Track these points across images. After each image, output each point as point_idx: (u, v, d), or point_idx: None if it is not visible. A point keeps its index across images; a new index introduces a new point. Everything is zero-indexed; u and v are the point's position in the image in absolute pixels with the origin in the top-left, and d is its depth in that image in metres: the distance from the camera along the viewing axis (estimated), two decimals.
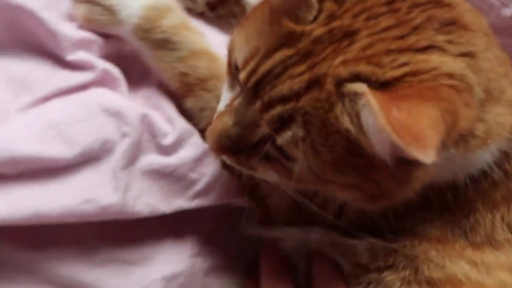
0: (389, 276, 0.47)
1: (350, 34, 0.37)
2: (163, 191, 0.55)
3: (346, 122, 0.35)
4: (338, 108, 0.36)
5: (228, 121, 0.42)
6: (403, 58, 0.36)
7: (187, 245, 0.60)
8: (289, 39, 0.37)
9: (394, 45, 0.36)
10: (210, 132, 0.44)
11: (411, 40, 0.36)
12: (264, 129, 0.40)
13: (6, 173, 0.47)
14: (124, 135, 0.52)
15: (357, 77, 0.35)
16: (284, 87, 0.37)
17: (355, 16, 0.37)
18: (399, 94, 0.34)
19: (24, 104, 0.50)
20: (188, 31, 0.55)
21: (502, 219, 0.48)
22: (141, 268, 0.57)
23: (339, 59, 0.36)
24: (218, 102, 0.49)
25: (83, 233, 0.55)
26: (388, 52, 0.36)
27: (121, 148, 0.52)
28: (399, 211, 0.48)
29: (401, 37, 0.37)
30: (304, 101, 0.36)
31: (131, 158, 0.53)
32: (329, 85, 0.36)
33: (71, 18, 0.55)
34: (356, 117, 0.34)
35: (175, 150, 0.54)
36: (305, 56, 0.37)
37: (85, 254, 0.55)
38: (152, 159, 0.54)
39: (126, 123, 0.52)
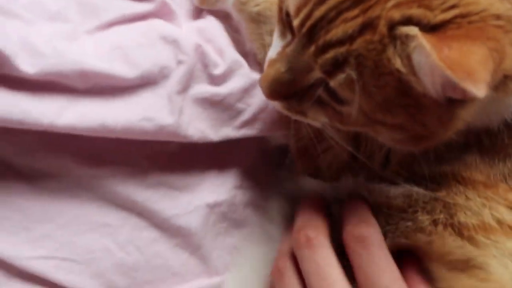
0: (422, 216, 0.49)
1: None
2: (212, 119, 0.59)
3: (397, 64, 0.36)
4: (390, 50, 0.37)
5: (281, 67, 0.43)
6: (452, 1, 0.37)
7: (230, 176, 0.64)
8: None
9: None
10: (263, 79, 0.45)
11: None
12: (316, 74, 0.41)
13: (77, 86, 0.52)
14: (179, 62, 0.56)
15: (408, 20, 0.36)
16: (338, 31, 0.38)
17: None
18: (448, 35, 0.36)
19: (92, 27, 0.54)
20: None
21: None
22: (187, 194, 0.61)
23: (392, 2, 0.37)
24: None
25: (136, 155, 0.59)
26: None
27: (177, 75, 0.56)
28: (441, 155, 0.50)
29: None
30: (358, 44, 0.37)
31: (185, 85, 0.57)
32: (382, 28, 0.36)
33: None
34: (407, 59, 0.36)
35: (224, 80, 0.58)
36: (358, 0, 0.38)
37: (138, 175, 0.59)
38: (203, 87, 0.58)
39: (182, 51, 0.56)
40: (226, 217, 0.63)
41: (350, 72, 0.38)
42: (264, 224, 0.65)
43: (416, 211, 0.50)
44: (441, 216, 0.49)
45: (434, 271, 0.49)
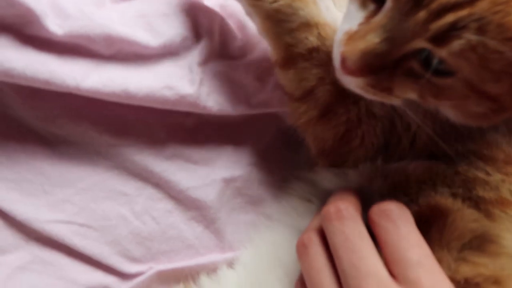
0: (442, 188, 0.49)
1: None
2: (230, 93, 0.60)
3: None
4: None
5: (374, 38, 0.38)
6: None
7: (246, 153, 0.64)
8: None
9: None
10: (349, 52, 0.40)
11: None
12: (418, 43, 0.37)
13: (101, 51, 0.52)
14: (201, 34, 0.57)
15: None
16: None
17: None
18: None
19: None
20: (302, 3, 0.50)
21: None
22: (203, 167, 0.62)
23: None
24: (319, 70, 0.50)
25: (155, 126, 0.60)
26: None
27: (198, 46, 0.57)
28: (465, 135, 0.49)
29: None
30: (481, 6, 0.33)
31: (206, 57, 0.58)
32: None
33: None
34: None
35: (244, 54, 0.59)
36: None
37: (156, 146, 0.60)
38: (222, 61, 0.59)
39: (204, 24, 0.57)
40: (241, 193, 0.63)
41: (469, 37, 0.34)
42: (281, 203, 0.65)
43: (435, 184, 0.50)
44: (460, 190, 0.49)
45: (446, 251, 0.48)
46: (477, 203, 0.49)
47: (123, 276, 0.57)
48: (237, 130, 0.64)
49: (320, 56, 0.50)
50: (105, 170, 0.58)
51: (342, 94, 0.50)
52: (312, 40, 0.50)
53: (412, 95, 0.42)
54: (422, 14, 0.35)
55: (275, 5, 0.49)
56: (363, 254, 0.39)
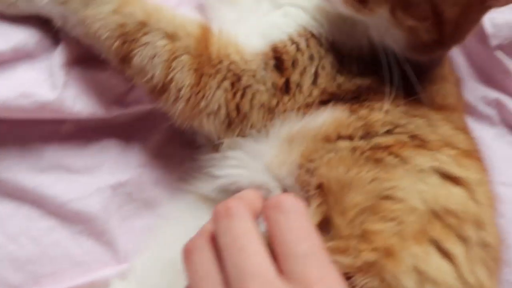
0: (343, 143, 0.52)
1: None
2: (100, 95, 0.56)
3: None
4: None
5: None
6: None
7: (134, 154, 0.61)
8: None
9: None
10: None
11: None
12: None
13: None
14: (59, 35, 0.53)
15: None
16: None
17: None
18: None
19: None
20: None
21: None
22: (86, 176, 0.58)
23: None
24: (165, 41, 0.51)
25: (25, 137, 0.55)
26: None
27: (60, 46, 0.53)
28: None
29: None
30: None
31: (69, 58, 0.54)
32: None
33: None
34: None
35: None
36: None
37: (29, 160, 0.55)
38: (88, 61, 0.55)
39: None
40: (132, 198, 0.60)
41: None
42: (179, 203, 0.62)
43: (338, 137, 0.51)
44: (360, 142, 0.51)
45: (338, 222, 0.48)
46: (372, 154, 0.50)
47: None
48: (121, 131, 0.61)
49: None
50: None
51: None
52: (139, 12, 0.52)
53: (385, 8, 0.50)
54: None
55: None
56: (249, 253, 0.36)
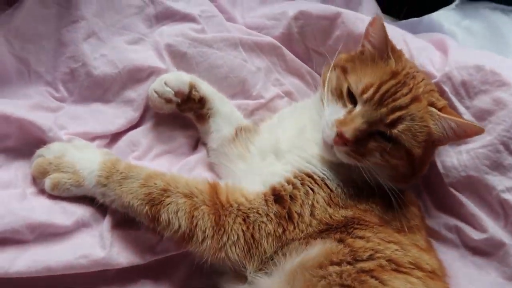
0: (332, 268, 0.68)
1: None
2: (137, 248, 0.74)
3: (431, 123, 0.75)
4: (428, 115, 0.75)
5: (359, 121, 0.73)
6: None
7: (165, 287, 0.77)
8: (392, 74, 0.75)
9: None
10: (347, 128, 0.72)
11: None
12: (379, 126, 0.73)
13: (25, 237, 0.67)
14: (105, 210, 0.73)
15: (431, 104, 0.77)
16: (400, 101, 0.73)
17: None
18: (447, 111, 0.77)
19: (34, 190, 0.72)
20: (136, 168, 0.73)
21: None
22: None
23: (421, 88, 0.76)
24: (185, 199, 0.69)
25: (82, 281, 0.72)
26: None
27: (107, 216, 0.73)
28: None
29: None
30: (411, 109, 0.73)
31: (114, 224, 0.73)
32: (424, 101, 0.75)
33: None
34: (439, 121, 0.75)
35: None
36: (404, 83, 0.75)
37: None
38: (125, 227, 0.74)
39: None
40: None
41: (406, 123, 0.73)
42: None
43: (330, 264, 0.67)
44: (348, 267, 0.67)
45: None
46: (360, 275, 0.66)
47: None
48: (153, 272, 0.78)
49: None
50: None
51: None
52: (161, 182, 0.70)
53: (377, 157, 0.74)
54: (383, 110, 0.73)
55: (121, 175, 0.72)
56: None
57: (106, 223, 0.72)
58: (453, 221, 0.90)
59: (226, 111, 0.89)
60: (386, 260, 0.69)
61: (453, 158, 0.89)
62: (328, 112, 0.77)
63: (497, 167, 0.85)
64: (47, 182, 0.71)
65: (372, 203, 0.75)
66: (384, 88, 0.73)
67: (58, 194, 0.71)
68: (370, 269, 0.67)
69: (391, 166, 0.75)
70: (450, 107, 0.89)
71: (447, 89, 0.90)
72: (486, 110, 0.87)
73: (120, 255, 0.72)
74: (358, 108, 0.74)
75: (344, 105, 0.77)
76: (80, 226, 0.71)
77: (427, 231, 0.83)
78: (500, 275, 0.85)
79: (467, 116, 0.89)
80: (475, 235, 0.87)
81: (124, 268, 0.74)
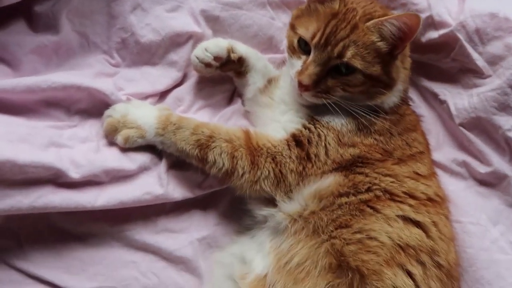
0: (342, 199, 0.85)
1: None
2: (188, 185, 0.92)
3: (374, 38, 0.83)
4: (369, 32, 0.83)
5: (312, 67, 0.83)
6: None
7: (211, 216, 0.96)
8: (333, 15, 0.83)
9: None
10: (304, 77, 0.84)
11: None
12: (332, 62, 0.83)
13: (103, 180, 0.86)
14: (162, 156, 0.91)
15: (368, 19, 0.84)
16: (341, 33, 0.82)
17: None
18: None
19: (106, 142, 0.90)
20: (185, 120, 0.89)
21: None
22: (182, 234, 0.94)
23: (358, 15, 0.83)
24: (226, 143, 0.86)
25: (146, 214, 0.92)
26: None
27: (162, 161, 0.91)
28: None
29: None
30: (352, 36, 0.82)
31: (168, 167, 0.91)
32: (361, 25, 0.83)
33: None
34: (378, 32, 0.83)
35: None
36: (344, 18, 0.83)
37: (149, 226, 0.92)
38: (178, 168, 0.92)
39: None
40: (210, 246, 0.95)
41: (352, 49, 0.82)
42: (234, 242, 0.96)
43: (339, 195, 0.83)
44: (352, 198, 0.82)
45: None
46: (360, 205, 0.82)
47: None
48: (201, 204, 0.97)
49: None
50: (118, 249, 0.90)
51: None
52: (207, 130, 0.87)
53: (339, 91, 0.85)
54: (329, 47, 0.83)
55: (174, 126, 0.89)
56: None
57: (163, 166, 0.90)
58: (462, 156, 1.00)
59: (260, 65, 1.02)
60: (382, 191, 0.84)
61: (465, 101, 0.97)
62: (289, 67, 0.90)
63: (504, 108, 0.93)
64: (119, 139, 0.88)
65: (376, 134, 0.87)
66: (327, 30, 0.82)
67: (128, 147, 0.89)
68: (367, 200, 0.83)
69: (359, 92, 0.86)
70: (463, 55, 0.96)
71: (461, 37, 0.96)
72: (497, 56, 0.93)
73: (175, 191, 0.91)
74: (311, 55, 0.84)
75: (299, 58, 0.87)
76: (142, 169, 0.89)
77: (431, 158, 0.96)
78: (502, 203, 0.96)
79: (480, 61, 0.96)
80: (481, 168, 0.97)
81: (178, 202, 0.93)
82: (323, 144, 0.87)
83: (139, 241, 0.91)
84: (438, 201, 0.87)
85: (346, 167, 0.86)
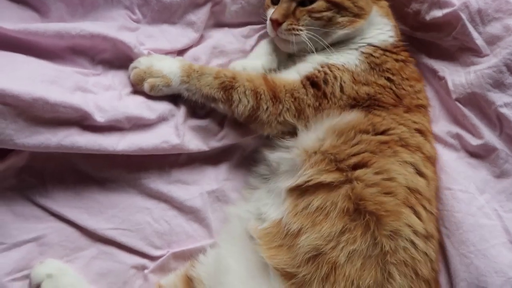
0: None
1: None
2: (203, 137, 0.97)
3: None
4: None
5: (281, 6, 0.97)
6: None
7: (221, 171, 1.01)
8: None
9: None
10: (274, 14, 0.97)
11: None
12: None
13: (124, 126, 0.90)
14: (179, 108, 0.96)
15: None
16: None
17: None
18: None
19: (128, 91, 0.94)
20: (206, 67, 0.97)
21: None
22: (193, 186, 0.99)
23: None
24: (248, 82, 0.93)
25: (161, 164, 0.97)
26: None
27: (179, 113, 0.95)
28: None
29: None
30: None
31: (184, 119, 0.96)
32: None
33: None
34: None
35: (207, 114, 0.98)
36: None
37: (163, 176, 0.97)
38: (194, 120, 0.97)
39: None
40: (219, 199, 1.00)
41: None
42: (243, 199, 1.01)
43: (359, 131, 0.90)
44: (372, 137, 0.89)
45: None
46: (380, 144, 0.89)
47: (151, 258, 0.94)
48: (214, 158, 1.02)
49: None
50: (134, 195, 0.95)
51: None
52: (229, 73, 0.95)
53: (307, 18, 0.96)
54: None
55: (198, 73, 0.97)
56: None
57: (180, 117, 0.95)
58: (456, 129, 1.07)
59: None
60: (397, 138, 0.91)
61: (462, 77, 1.05)
62: (267, 18, 1.01)
63: (499, 85, 1.00)
64: (146, 86, 0.93)
65: (388, 73, 0.96)
66: None
67: (154, 94, 0.94)
68: (386, 141, 0.90)
69: (328, 19, 0.97)
70: (464, 34, 1.03)
71: (464, 16, 1.03)
72: (496, 36, 1.01)
73: (190, 142, 0.96)
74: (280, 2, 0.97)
75: (273, 8, 1.00)
76: (161, 119, 0.94)
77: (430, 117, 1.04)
78: (490, 174, 1.03)
79: (479, 40, 1.03)
80: (473, 141, 1.04)
81: (192, 155, 0.98)
82: (338, 83, 0.94)
83: (153, 189, 0.96)
84: (434, 163, 0.94)
85: (364, 106, 0.93)
